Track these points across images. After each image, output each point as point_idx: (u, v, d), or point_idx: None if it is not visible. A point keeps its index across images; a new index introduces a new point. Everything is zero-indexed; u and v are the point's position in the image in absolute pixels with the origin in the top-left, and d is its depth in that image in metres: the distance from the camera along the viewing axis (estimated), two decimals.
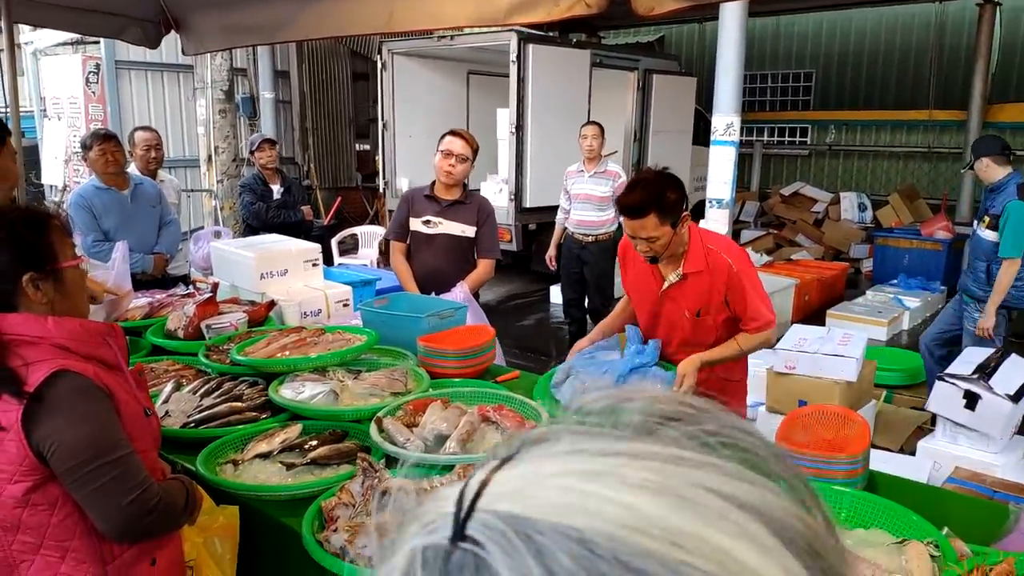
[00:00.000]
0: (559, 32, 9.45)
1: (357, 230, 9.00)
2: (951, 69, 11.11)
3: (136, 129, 5.00)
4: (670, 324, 2.72)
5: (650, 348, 2.60)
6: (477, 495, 0.34)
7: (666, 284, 2.65)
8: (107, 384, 1.45)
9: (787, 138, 12.79)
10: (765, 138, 12.84)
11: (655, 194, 2.42)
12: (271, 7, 3.89)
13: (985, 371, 3.85)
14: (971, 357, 4.08)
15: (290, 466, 1.94)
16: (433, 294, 3.50)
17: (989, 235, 4.44)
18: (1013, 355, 4.01)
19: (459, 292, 3.50)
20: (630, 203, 2.43)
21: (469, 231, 3.79)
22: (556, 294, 7.79)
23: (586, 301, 6.33)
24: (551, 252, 6.47)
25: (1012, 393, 3.72)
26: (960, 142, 10.72)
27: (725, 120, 5.51)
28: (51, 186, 9.35)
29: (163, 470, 1.66)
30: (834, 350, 4.22)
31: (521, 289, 9.13)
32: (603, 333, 2.93)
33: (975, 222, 4.69)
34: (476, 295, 3.77)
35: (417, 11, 3.36)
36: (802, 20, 12.40)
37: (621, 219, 2.58)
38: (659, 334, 2.74)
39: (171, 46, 4.43)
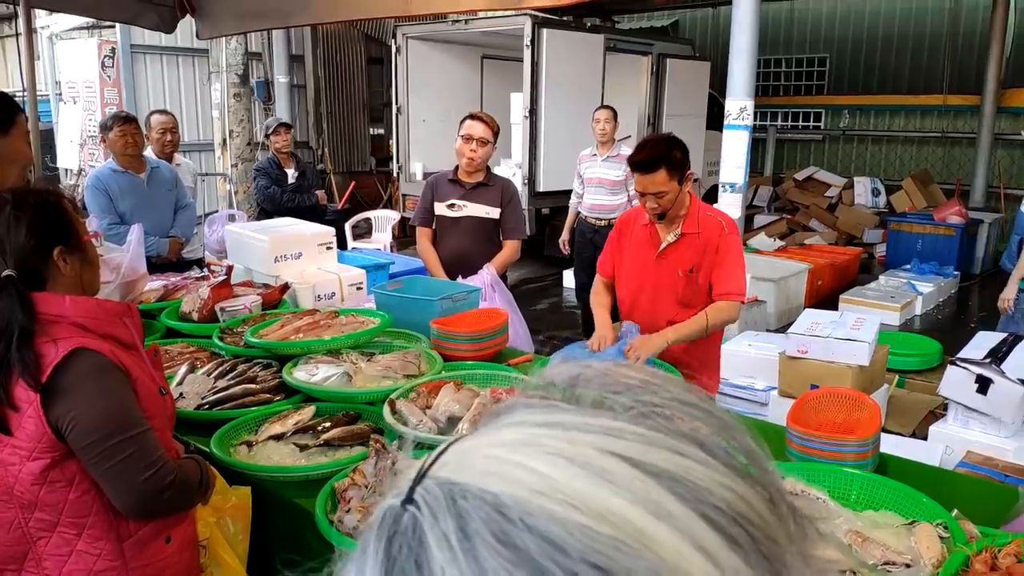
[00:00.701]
0: (573, 17, 9.39)
1: (371, 214, 9.03)
2: (965, 54, 10.96)
3: (152, 112, 5.03)
4: (663, 286, 2.86)
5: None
6: (432, 464, 0.37)
7: (663, 244, 2.83)
8: (123, 362, 1.48)
9: (801, 123, 12.68)
10: (779, 123, 12.73)
11: (664, 151, 2.67)
12: None
13: (997, 356, 3.83)
14: (983, 342, 4.07)
15: (303, 447, 1.97)
16: (460, 277, 3.53)
17: None
18: None
19: (486, 274, 3.53)
20: (642, 159, 2.67)
21: (494, 213, 3.81)
22: (569, 278, 7.80)
23: None
24: (564, 236, 6.48)
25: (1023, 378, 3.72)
26: (974, 127, 10.60)
27: (739, 104, 5.47)
28: (66, 170, 9.41)
29: (177, 450, 1.68)
30: (847, 334, 4.21)
31: (535, 273, 9.14)
32: (607, 309, 3.02)
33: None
34: (504, 277, 3.80)
35: None
36: (816, 5, 12.26)
37: (632, 180, 2.74)
38: (654, 297, 2.88)
39: (186, 30, 4.44)
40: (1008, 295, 4.50)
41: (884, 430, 4.41)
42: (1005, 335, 4.05)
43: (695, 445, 0.37)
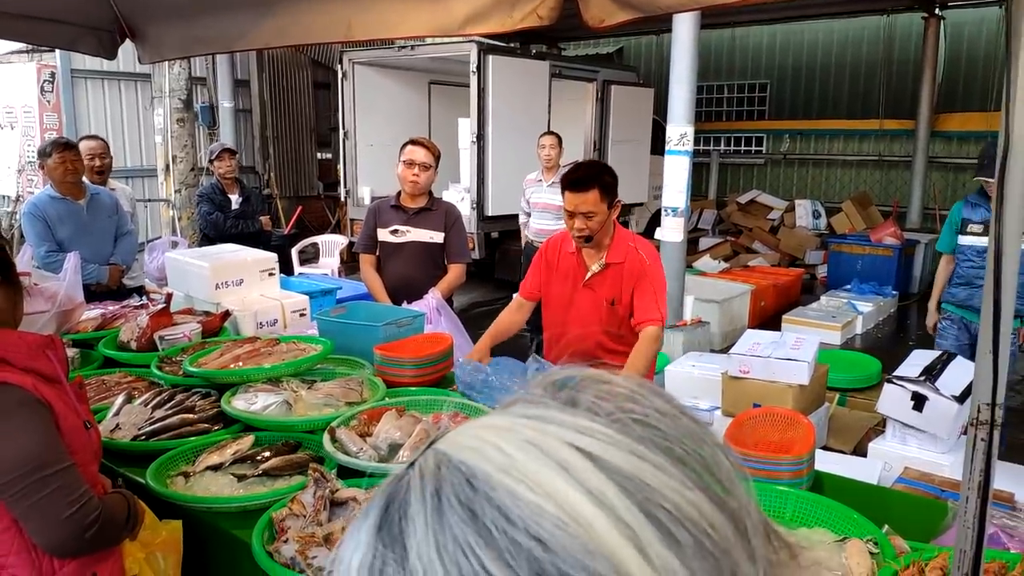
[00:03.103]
0: (519, 43, 9.53)
1: (318, 239, 8.95)
2: (900, 80, 11.43)
3: (82, 138, 4.94)
4: (587, 314, 2.89)
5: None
6: (437, 439, 0.43)
7: (589, 273, 2.86)
8: (46, 396, 1.44)
9: (743, 147, 13.03)
10: (722, 147, 13.06)
11: (596, 172, 2.73)
12: (229, 16, 3.85)
13: (931, 373, 3.95)
14: (918, 359, 4.19)
15: (241, 478, 1.93)
16: (405, 302, 3.51)
17: None
18: (959, 357, 4.13)
19: (431, 299, 3.51)
20: (577, 177, 2.72)
21: (438, 237, 3.81)
22: None
23: None
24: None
25: (958, 394, 3.83)
26: (910, 151, 11.03)
27: (679, 130, 5.60)
28: (3, 196, 9.15)
29: (104, 484, 1.64)
30: (787, 354, 4.30)
31: (484, 297, 9.15)
32: (494, 338, 3.07)
33: None
34: (449, 300, 3.80)
35: (375, 21, 3.36)
36: (756, 33, 12.67)
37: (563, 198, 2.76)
38: (578, 324, 2.90)
39: (128, 55, 4.37)
40: (930, 321, 4.64)
41: (825, 447, 4.52)
42: (939, 353, 4.17)
43: (659, 451, 0.41)
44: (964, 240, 4.29)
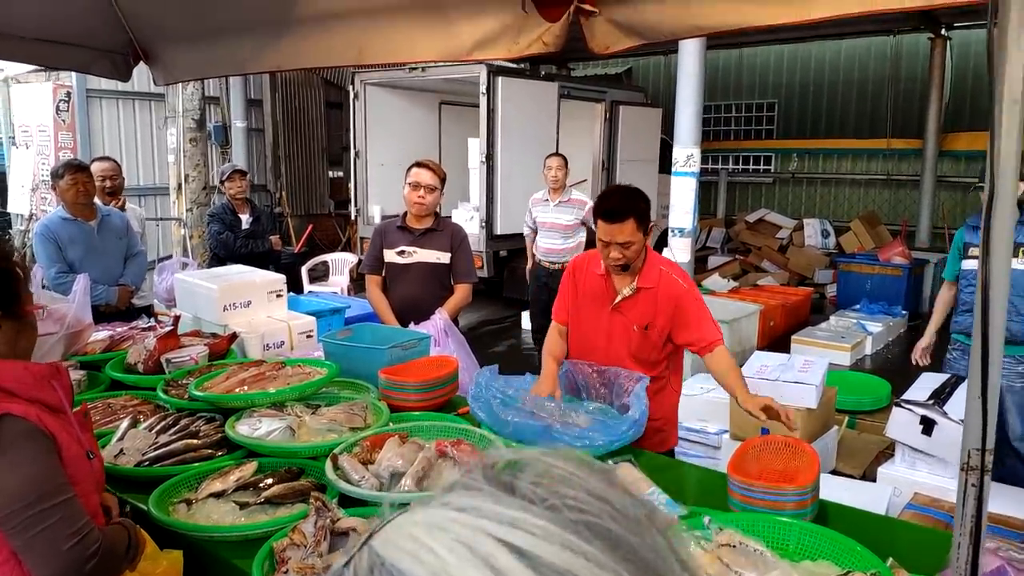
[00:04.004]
0: (529, 64, 9.60)
1: (328, 257, 9.00)
2: (907, 99, 11.43)
3: (94, 160, 5.00)
4: (618, 338, 2.80)
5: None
6: (376, 531, 0.44)
7: (619, 297, 2.76)
8: (49, 427, 1.45)
9: (751, 166, 13.05)
10: (730, 166, 13.09)
11: (633, 201, 2.62)
12: (241, 40, 3.91)
13: (940, 397, 3.91)
14: (927, 383, 4.16)
15: (243, 505, 1.93)
16: (412, 323, 3.51)
17: None
18: (967, 380, 4.09)
19: (438, 319, 3.51)
20: (612, 207, 2.60)
21: (444, 258, 3.83)
22: (528, 320, 7.85)
23: None
24: (529, 265, 6.57)
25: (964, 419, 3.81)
26: (917, 169, 11.00)
27: (686, 152, 5.62)
28: (17, 215, 9.24)
29: (111, 507, 1.65)
30: (795, 377, 4.28)
31: (493, 315, 9.16)
32: (557, 361, 2.90)
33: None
34: (455, 321, 3.79)
35: (385, 46, 3.41)
36: (764, 52, 12.72)
37: (594, 227, 2.70)
38: (605, 349, 2.82)
39: (143, 75, 4.45)
40: (923, 344, 4.49)
41: (834, 472, 4.48)
42: (948, 376, 4.13)
43: (595, 539, 0.41)
44: (967, 264, 4.18)
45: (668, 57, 13.04)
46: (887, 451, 4.43)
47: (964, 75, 10.91)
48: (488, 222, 8.31)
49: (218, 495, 1.99)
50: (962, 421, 3.83)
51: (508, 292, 9.09)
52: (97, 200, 4.56)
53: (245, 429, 2.29)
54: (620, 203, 2.61)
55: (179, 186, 8.33)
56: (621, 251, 2.61)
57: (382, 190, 9.03)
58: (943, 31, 10.31)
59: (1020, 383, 4.10)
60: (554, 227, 6.15)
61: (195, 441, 2.29)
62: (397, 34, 3.27)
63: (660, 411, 2.86)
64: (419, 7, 3.08)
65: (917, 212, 10.83)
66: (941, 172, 10.82)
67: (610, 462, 2.07)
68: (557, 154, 6.26)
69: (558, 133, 8.82)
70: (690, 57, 5.48)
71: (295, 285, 7.66)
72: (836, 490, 3.65)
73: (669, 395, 2.95)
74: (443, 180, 3.87)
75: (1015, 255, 4.02)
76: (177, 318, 3.28)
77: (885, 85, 11.61)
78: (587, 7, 2.60)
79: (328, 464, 2.00)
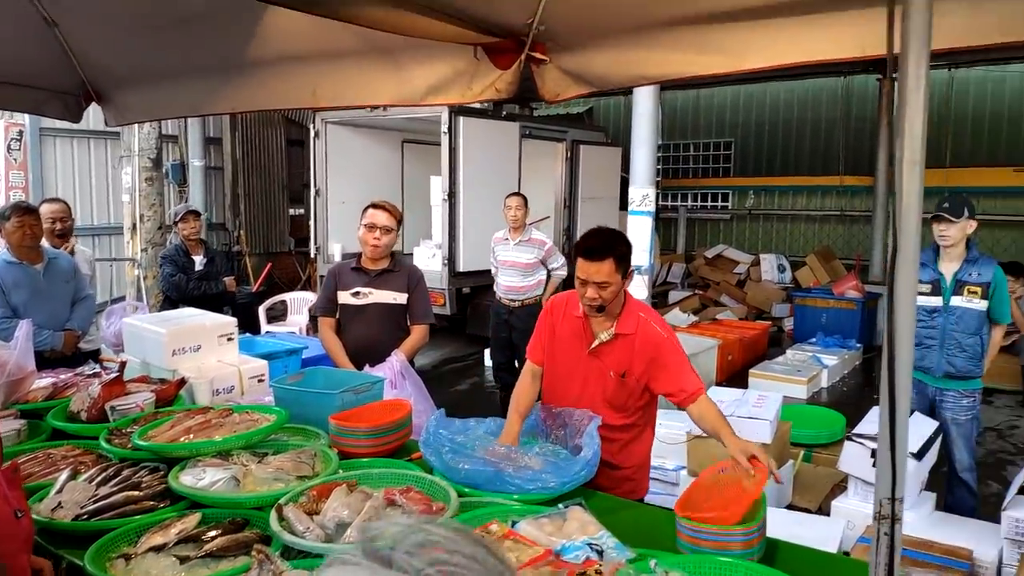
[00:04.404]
0: (492, 104, 9.74)
1: (287, 296, 8.92)
2: (858, 138, 11.79)
3: (43, 201, 4.92)
4: (594, 383, 2.75)
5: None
6: None
7: (597, 342, 2.72)
8: None
9: (710, 203, 13.31)
10: (689, 203, 13.34)
11: (613, 241, 2.60)
12: (195, 82, 3.90)
13: None
14: (877, 416, 4.22)
15: (184, 559, 1.88)
16: (367, 366, 3.46)
17: (982, 305, 4.14)
18: (916, 413, 4.17)
19: (395, 361, 3.47)
20: (593, 245, 2.59)
21: (401, 298, 3.81)
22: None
23: (515, 364, 6.39)
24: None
25: (915, 451, 3.87)
26: (870, 205, 11.33)
27: (641, 191, 5.72)
28: None
29: (43, 569, 1.60)
30: (749, 412, 4.33)
31: (456, 353, 9.14)
32: (521, 416, 2.79)
33: (946, 297, 4.19)
34: (412, 362, 3.75)
35: (340, 89, 3.44)
36: (720, 93, 13.07)
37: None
38: (580, 393, 2.76)
39: (99, 112, 4.41)
40: None
41: (790, 506, 4.50)
42: (908, 419, 4.20)
43: None
44: None
45: (628, 98, 13.31)
46: (842, 484, 4.48)
47: (927, 114, 11.27)
48: (451, 259, 8.33)
49: (159, 549, 1.93)
50: (911, 454, 3.89)
51: (471, 329, 9.08)
52: (45, 242, 4.48)
53: (189, 479, 2.24)
54: (600, 243, 2.59)
55: (134, 226, 8.21)
56: (598, 291, 2.59)
57: (343, 228, 9.01)
58: (892, 74, 10.68)
59: (964, 416, 4.20)
60: (514, 265, 6.19)
61: (137, 492, 2.22)
62: (351, 78, 3.30)
63: (631, 460, 2.85)
64: (373, 52, 3.11)
65: (870, 247, 11.11)
66: (892, 208, 11.13)
67: (560, 506, 2.06)
68: (517, 194, 6.33)
69: (520, 171, 8.92)
70: (644, 100, 5.60)
71: (252, 325, 7.56)
72: (790, 525, 3.69)
73: (642, 445, 2.91)
74: (399, 221, 3.87)
75: (959, 293, 4.16)
76: (123, 364, 3.21)
77: (837, 124, 11.98)
78: (538, 55, 2.65)
79: (273, 515, 1.96)
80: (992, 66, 10.42)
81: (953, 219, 4.07)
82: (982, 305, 4.12)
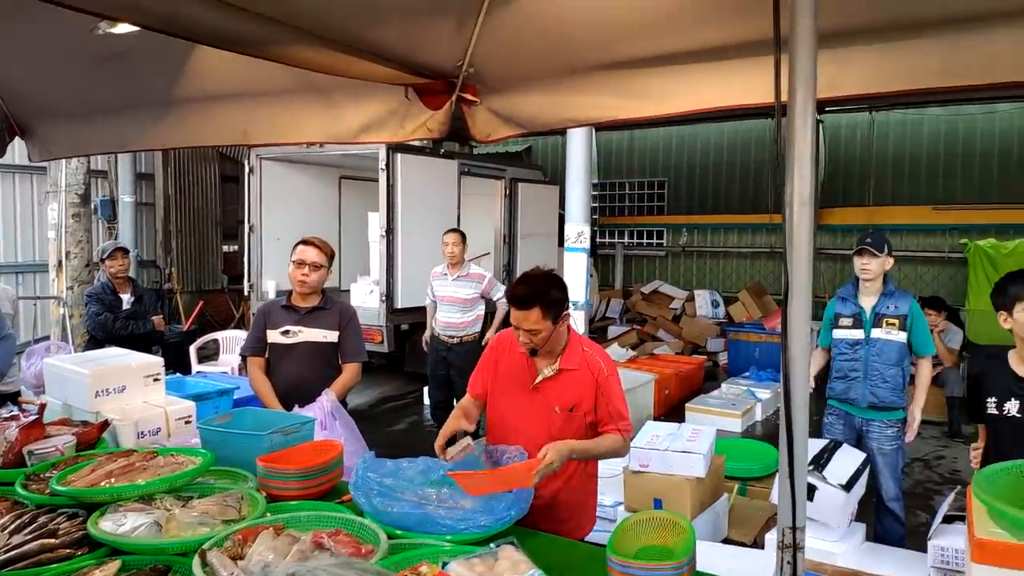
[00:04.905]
0: (431, 141, 9.82)
1: (219, 335, 8.71)
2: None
3: None
4: (538, 419, 2.75)
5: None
6: None
7: (540, 377, 2.74)
8: None
9: (645, 240, 13.61)
10: (626, 240, 13.60)
11: (541, 289, 2.62)
12: (124, 118, 3.84)
13: (819, 462, 4.08)
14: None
15: None
16: (297, 406, 3.40)
17: (901, 336, 4.29)
18: (844, 445, 4.29)
19: (325, 401, 3.39)
20: (518, 294, 2.62)
21: (331, 336, 3.76)
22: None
23: (454, 402, 6.36)
24: (426, 336, 6.55)
25: (844, 483, 3.97)
26: None
27: (576, 228, 5.82)
28: None
29: None
30: (683, 447, 4.38)
31: (394, 391, 9.05)
32: (466, 417, 2.80)
33: (867, 330, 4.34)
34: (344, 402, 3.68)
35: (271, 127, 3.43)
36: (654, 134, 13.48)
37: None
38: (524, 430, 2.75)
39: (23, 146, 4.29)
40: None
41: (726, 540, 4.56)
42: (826, 441, 4.32)
43: None
44: (837, 334, 4.47)
45: (565, 137, 13.60)
46: (776, 516, 4.55)
47: (836, 155, 11.80)
48: (388, 295, 8.30)
49: None
50: (840, 485, 4.00)
51: (409, 367, 9.02)
52: None
53: (109, 525, 2.16)
54: (527, 291, 2.61)
55: (59, 263, 7.96)
56: (528, 336, 2.63)
57: (277, 265, 8.88)
58: (779, 119, 11.19)
59: (890, 446, 4.35)
60: (453, 301, 6.20)
61: (53, 540, 2.13)
62: (283, 116, 3.30)
63: (572, 497, 2.83)
64: (306, 90, 3.13)
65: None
66: (819, 245, 11.56)
67: (492, 545, 2.05)
68: (455, 230, 6.37)
69: (459, 208, 8.98)
70: (578, 140, 5.74)
71: (183, 365, 7.36)
72: (726, 559, 3.74)
73: (584, 482, 2.90)
74: (331, 257, 3.84)
75: (879, 325, 4.33)
76: (43, 406, 3.09)
77: (765, 164, 12.42)
78: (468, 97, 2.71)
79: (196, 561, 1.90)
80: (910, 109, 10.98)
81: (876, 253, 4.27)
82: (901, 337, 4.29)
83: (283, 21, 2.18)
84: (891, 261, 4.34)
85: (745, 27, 2.00)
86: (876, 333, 4.32)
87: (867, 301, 4.36)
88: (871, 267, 4.27)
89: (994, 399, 3.00)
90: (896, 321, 4.29)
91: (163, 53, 2.99)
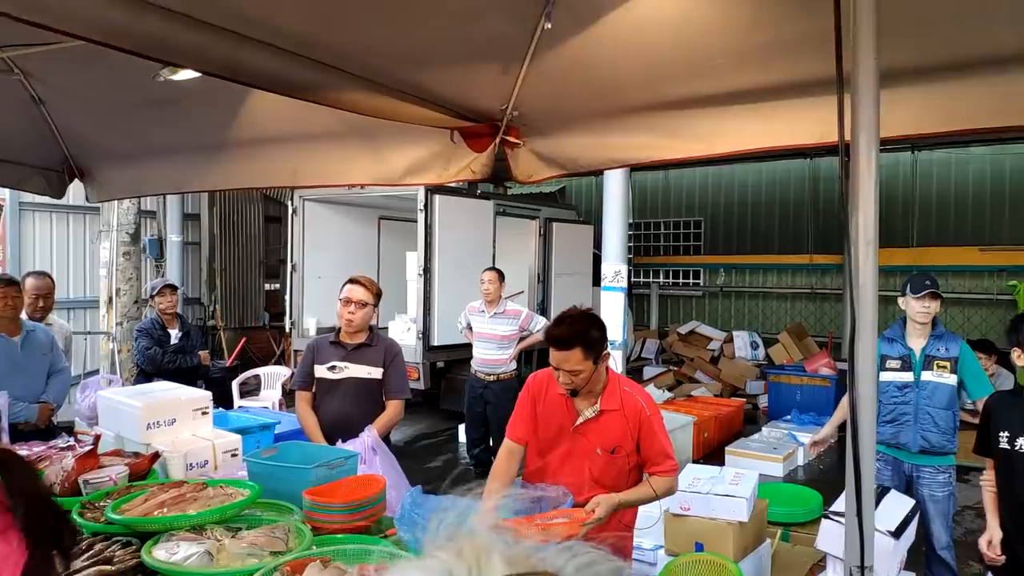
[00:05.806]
0: (467, 183, 9.99)
1: (260, 371, 8.85)
2: (826, 217, 12.13)
3: (28, 274, 4.93)
4: (579, 461, 2.74)
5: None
6: None
7: (580, 419, 2.73)
8: None
9: (682, 280, 13.55)
10: (661, 279, 13.56)
11: (581, 330, 2.60)
12: (177, 161, 3.99)
13: None
14: None
15: None
16: (340, 441, 3.44)
17: (952, 379, 4.22)
18: (892, 491, 4.19)
19: (367, 437, 3.45)
20: (558, 335, 2.60)
21: (376, 373, 3.82)
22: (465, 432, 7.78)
23: (490, 440, 6.35)
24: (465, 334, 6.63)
25: (893, 529, 3.87)
26: (839, 284, 11.57)
27: (613, 268, 5.84)
28: None
29: None
30: (726, 490, 4.31)
31: (430, 429, 9.06)
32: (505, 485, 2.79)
33: (917, 372, 4.28)
34: (387, 438, 3.74)
35: (320, 169, 3.54)
36: (690, 174, 13.49)
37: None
38: (565, 472, 2.74)
39: (78, 187, 4.49)
40: (817, 437, 4.87)
41: None
42: (873, 486, 4.22)
43: None
44: (884, 376, 4.38)
45: (599, 178, 13.68)
46: (821, 563, 4.44)
47: (879, 196, 11.67)
48: (425, 333, 8.37)
49: None
50: (889, 532, 3.90)
51: (445, 404, 9.04)
52: (24, 315, 4.47)
53: (162, 554, 2.21)
54: (567, 332, 2.60)
55: (110, 300, 8.19)
56: (570, 377, 2.61)
57: (318, 303, 9.04)
58: (844, 159, 11.13)
59: (941, 492, 4.24)
60: (491, 338, 6.23)
61: (108, 567, 2.19)
62: (331, 159, 3.41)
63: (612, 525, 2.77)
64: (353, 134, 3.23)
65: (841, 324, 11.30)
66: (850, 283, 11.39)
67: None
68: (492, 268, 6.43)
69: (495, 247, 9.07)
70: (615, 181, 5.79)
71: (226, 400, 7.48)
72: None
73: (625, 515, 2.89)
74: (378, 295, 3.92)
75: (929, 368, 4.25)
76: (98, 437, 3.18)
77: (805, 204, 12.34)
78: (512, 139, 2.78)
79: None
80: (954, 149, 10.87)
81: (940, 295, 4.22)
82: (952, 379, 4.21)
83: (337, 67, 2.28)
84: (939, 302, 4.30)
85: (790, 68, 2.04)
86: (927, 376, 4.23)
87: (916, 343, 4.28)
88: (933, 309, 4.21)
89: (1006, 433, 2.94)
90: (947, 364, 4.21)
91: (217, 98, 3.11)
